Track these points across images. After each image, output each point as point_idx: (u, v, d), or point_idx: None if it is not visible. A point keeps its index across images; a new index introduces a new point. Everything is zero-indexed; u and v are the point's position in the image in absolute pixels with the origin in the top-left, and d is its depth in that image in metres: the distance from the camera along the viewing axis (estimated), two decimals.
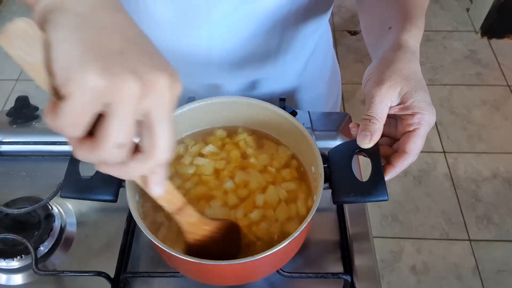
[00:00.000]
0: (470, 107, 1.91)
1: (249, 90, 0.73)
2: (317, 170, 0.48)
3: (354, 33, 2.23)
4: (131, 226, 0.59)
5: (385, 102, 0.45)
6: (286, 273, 0.53)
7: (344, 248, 0.58)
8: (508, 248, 1.50)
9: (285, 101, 0.62)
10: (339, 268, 0.57)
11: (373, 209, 1.60)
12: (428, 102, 0.46)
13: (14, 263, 0.56)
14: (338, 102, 0.92)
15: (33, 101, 0.71)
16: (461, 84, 2.00)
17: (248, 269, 0.47)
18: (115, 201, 0.46)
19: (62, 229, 0.60)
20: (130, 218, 0.60)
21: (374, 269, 0.56)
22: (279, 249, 0.42)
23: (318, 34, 0.71)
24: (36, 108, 0.71)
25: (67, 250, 0.59)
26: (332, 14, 2.37)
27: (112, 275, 0.54)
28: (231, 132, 0.58)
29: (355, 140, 0.46)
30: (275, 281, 0.56)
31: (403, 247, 1.51)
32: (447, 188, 1.65)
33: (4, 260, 0.55)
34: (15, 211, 0.58)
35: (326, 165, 0.48)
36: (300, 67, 0.74)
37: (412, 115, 0.46)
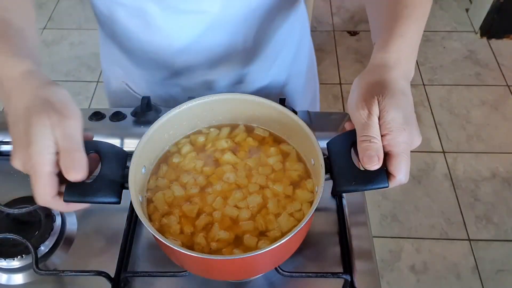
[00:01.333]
0: (470, 107, 1.91)
1: (237, 85, 0.75)
2: (317, 161, 0.48)
3: (353, 33, 2.24)
4: (131, 226, 0.59)
5: (373, 119, 0.43)
6: (286, 273, 0.53)
7: (344, 248, 0.58)
8: (508, 247, 1.50)
9: (285, 101, 0.62)
10: (339, 267, 0.57)
11: (373, 209, 1.60)
12: (400, 122, 0.42)
13: (15, 263, 0.56)
14: (316, 97, 0.93)
15: None
16: (460, 84, 2.00)
17: (248, 265, 0.48)
18: (118, 202, 0.46)
19: (62, 229, 0.60)
20: (130, 218, 0.60)
21: (374, 269, 0.56)
22: (281, 244, 0.43)
23: (291, 23, 0.72)
24: None
25: (68, 250, 0.59)
26: (331, 14, 2.38)
27: (112, 275, 0.54)
28: (233, 128, 0.59)
29: (353, 131, 0.45)
30: (275, 280, 0.56)
31: (403, 246, 1.52)
32: (447, 188, 1.66)
33: (5, 260, 0.55)
34: (16, 211, 0.58)
35: (325, 157, 0.48)
36: (289, 57, 0.75)
37: (383, 135, 0.43)
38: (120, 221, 0.60)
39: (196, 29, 0.63)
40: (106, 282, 0.53)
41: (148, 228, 0.44)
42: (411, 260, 1.49)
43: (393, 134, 0.42)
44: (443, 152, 1.76)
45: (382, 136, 0.42)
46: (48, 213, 0.60)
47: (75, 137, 0.42)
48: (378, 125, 0.42)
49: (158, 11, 0.61)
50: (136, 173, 0.50)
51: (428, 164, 1.73)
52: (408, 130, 0.42)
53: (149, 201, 0.53)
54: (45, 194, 0.42)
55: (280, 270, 0.53)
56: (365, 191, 0.59)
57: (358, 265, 0.56)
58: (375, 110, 0.42)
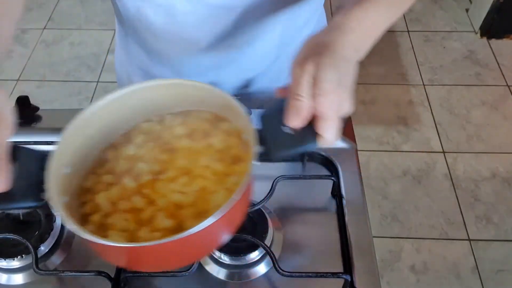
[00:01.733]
0: (470, 107, 1.91)
1: (244, 86, 0.75)
2: (249, 134, 0.47)
3: None
4: None
5: (305, 78, 0.42)
6: (286, 273, 0.53)
7: (344, 248, 0.58)
8: (508, 247, 1.51)
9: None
10: (339, 267, 0.57)
11: (373, 209, 1.60)
12: (333, 84, 0.41)
13: (15, 263, 0.56)
14: None
15: (33, 102, 0.71)
16: (460, 84, 2.00)
17: (178, 249, 0.45)
18: (39, 206, 0.44)
19: (62, 229, 0.60)
20: None
21: (374, 269, 0.56)
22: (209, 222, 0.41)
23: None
24: (37, 109, 0.71)
25: (68, 250, 0.59)
26: (331, 14, 2.38)
27: (112, 275, 0.54)
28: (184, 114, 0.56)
29: (282, 99, 0.45)
30: (275, 280, 0.56)
31: (403, 246, 1.52)
32: (447, 188, 1.66)
33: (5, 260, 0.55)
34: (16, 211, 0.58)
35: (260, 129, 0.48)
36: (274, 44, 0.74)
37: (315, 95, 0.42)
38: None
39: (225, 25, 0.63)
40: (106, 282, 0.53)
41: (69, 226, 0.41)
42: (411, 260, 1.49)
43: (323, 96, 0.41)
44: (443, 152, 1.76)
45: (314, 96, 0.42)
46: (48, 213, 0.60)
47: (1, 146, 0.39)
48: (309, 84, 0.42)
49: (188, 6, 0.60)
50: (58, 173, 0.46)
51: (428, 164, 1.73)
52: (339, 95, 0.42)
53: (85, 201, 0.49)
54: None
55: (280, 270, 0.53)
56: (366, 193, 0.59)
57: (358, 265, 0.56)
58: (309, 69, 0.42)
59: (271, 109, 0.48)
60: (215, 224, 0.41)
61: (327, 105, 0.42)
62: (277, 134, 0.46)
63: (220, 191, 0.48)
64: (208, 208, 0.47)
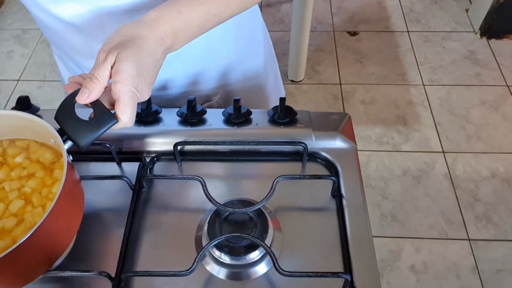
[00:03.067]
0: (469, 107, 1.91)
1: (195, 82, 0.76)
2: (55, 138, 0.52)
3: (353, 33, 2.24)
4: (132, 225, 0.60)
5: (105, 65, 0.47)
6: (286, 272, 0.53)
7: (344, 248, 0.58)
8: (507, 247, 1.51)
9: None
10: (339, 267, 0.57)
11: (373, 209, 1.60)
12: (131, 74, 0.47)
13: None
14: (279, 77, 0.94)
15: (34, 101, 0.72)
16: (460, 85, 2.00)
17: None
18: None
19: None
20: (131, 217, 0.60)
21: (374, 269, 0.56)
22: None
23: None
24: (38, 109, 0.71)
25: (68, 250, 0.59)
26: (331, 14, 2.38)
27: (113, 275, 0.54)
28: None
29: (72, 93, 0.51)
30: (275, 280, 0.56)
31: (403, 246, 1.52)
32: (446, 188, 1.66)
33: None
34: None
35: (60, 128, 0.53)
36: (230, 40, 0.75)
37: (115, 82, 0.48)
38: (120, 221, 0.60)
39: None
40: (107, 282, 0.54)
41: None
42: (411, 260, 1.49)
43: (121, 84, 0.47)
44: (443, 152, 1.77)
45: (113, 82, 0.48)
46: None
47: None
48: (108, 71, 0.47)
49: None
50: None
51: (428, 164, 1.73)
52: (137, 84, 0.48)
53: None
54: None
55: (280, 270, 0.53)
56: (366, 193, 0.59)
57: (358, 265, 0.56)
58: (111, 59, 0.47)
59: (63, 105, 0.52)
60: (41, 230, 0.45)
61: (124, 92, 0.47)
62: (77, 125, 0.52)
63: (46, 200, 0.52)
64: (39, 220, 0.48)
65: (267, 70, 0.87)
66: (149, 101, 0.69)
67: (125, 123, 0.50)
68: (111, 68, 0.48)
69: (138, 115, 0.68)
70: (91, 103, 0.52)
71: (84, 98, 0.48)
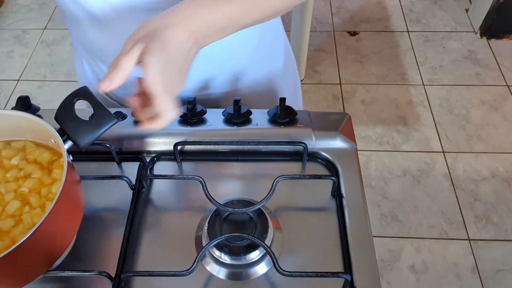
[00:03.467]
0: (469, 107, 1.91)
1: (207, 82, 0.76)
2: (55, 138, 0.52)
3: (353, 33, 2.24)
4: (132, 225, 0.60)
5: (131, 55, 0.46)
6: (286, 272, 0.53)
7: (344, 248, 0.58)
8: (507, 247, 1.51)
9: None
10: (339, 267, 0.57)
11: (373, 209, 1.60)
12: (157, 67, 0.46)
13: None
14: (298, 85, 0.93)
15: (34, 101, 0.71)
16: (460, 84, 2.00)
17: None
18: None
19: None
20: (131, 217, 0.60)
21: (373, 269, 0.56)
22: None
23: None
24: (38, 108, 0.71)
25: (68, 250, 0.59)
26: (331, 14, 2.38)
27: (113, 275, 0.54)
28: None
29: (72, 93, 0.52)
30: (275, 280, 0.56)
31: (403, 246, 1.52)
32: (446, 188, 1.66)
33: None
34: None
35: (60, 128, 0.53)
36: (254, 40, 0.74)
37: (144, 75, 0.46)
38: (120, 221, 0.60)
39: None
40: (107, 282, 0.54)
41: None
42: (411, 259, 1.49)
43: (150, 76, 0.45)
44: (443, 152, 1.77)
45: (144, 77, 0.46)
46: None
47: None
48: (132, 61, 0.46)
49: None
50: None
51: (428, 164, 1.73)
52: (167, 75, 0.46)
53: None
54: None
55: (280, 270, 0.53)
56: (366, 193, 0.59)
57: (358, 265, 0.56)
58: (137, 50, 0.46)
59: (62, 106, 0.53)
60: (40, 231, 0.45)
61: (154, 84, 0.46)
62: (77, 125, 0.52)
63: (46, 201, 0.52)
64: (38, 221, 0.48)
65: (284, 72, 0.85)
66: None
67: (168, 118, 0.48)
68: (137, 60, 0.46)
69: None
70: (91, 103, 0.52)
71: (106, 85, 0.46)
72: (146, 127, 0.50)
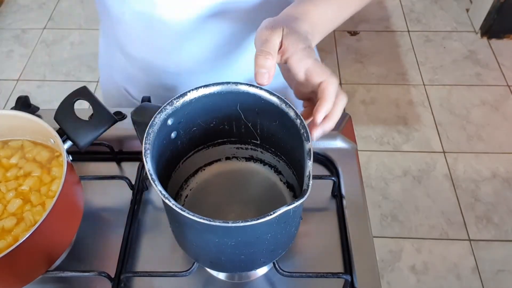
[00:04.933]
0: (470, 107, 1.91)
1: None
2: (55, 139, 0.53)
3: (354, 33, 2.24)
4: (131, 226, 0.59)
5: (274, 39, 0.44)
6: (286, 273, 0.53)
7: (344, 248, 0.58)
8: (508, 248, 1.51)
9: None
10: (339, 267, 0.57)
11: (373, 209, 1.60)
12: (301, 46, 0.44)
13: None
14: None
15: (33, 101, 0.71)
16: (460, 84, 2.00)
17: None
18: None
19: None
20: (131, 217, 0.60)
21: (374, 269, 0.56)
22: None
23: None
24: (37, 108, 0.71)
25: (68, 250, 0.59)
26: None
27: (113, 275, 0.54)
28: None
29: (72, 93, 0.52)
30: (275, 280, 0.56)
31: (403, 247, 1.52)
32: (447, 188, 1.66)
33: None
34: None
35: (59, 128, 0.53)
36: None
37: (286, 60, 0.45)
38: (120, 221, 0.60)
39: (210, 37, 0.63)
40: (106, 282, 0.54)
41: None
42: (411, 260, 1.49)
43: (298, 53, 0.44)
44: (443, 152, 1.76)
45: (290, 60, 0.44)
46: None
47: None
48: (277, 46, 0.44)
49: (168, 14, 0.60)
50: None
51: (429, 164, 1.73)
52: (308, 48, 0.45)
53: None
54: None
55: (280, 270, 0.53)
56: (367, 193, 0.59)
57: (358, 265, 0.56)
58: (278, 34, 0.44)
59: (63, 104, 0.53)
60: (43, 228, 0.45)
61: (304, 60, 0.44)
62: (77, 125, 0.53)
63: (46, 198, 0.53)
64: (40, 218, 0.48)
65: None
66: None
67: (344, 104, 0.46)
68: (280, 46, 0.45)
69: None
70: (90, 103, 0.52)
71: (265, 78, 0.44)
72: (326, 129, 0.46)
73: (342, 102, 0.45)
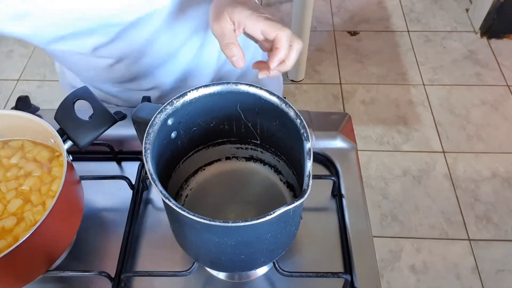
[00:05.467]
0: (470, 107, 1.91)
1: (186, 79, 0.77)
2: (55, 138, 0.53)
3: (354, 33, 2.24)
4: (131, 226, 0.59)
5: (228, 25, 0.49)
6: (286, 273, 0.53)
7: (344, 248, 0.58)
8: (508, 247, 1.51)
9: None
10: (339, 267, 0.57)
11: (373, 209, 1.60)
12: (247, 12, 0.48)
13: None
14: (281, 80, 0.95)
15: (34, 101, 0.71)
16: (460, 84, 2.00)
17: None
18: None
19: None
20: (131, 217, 0.60)
21: (374, 269, 0.56)
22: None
23: None
24: (37, 108, 0.71)
25: (68, 250, 0.59)
26: (331, 14, 2.38)
27: (113, 275, 0.54)
28: None
29: (72, 93, 0.53)
30: (275, 280, 0.56)
31: (403, 246, 1.52)
32: (447, 188, 1.66)
33: None
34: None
35: (60, 128, 0.54)
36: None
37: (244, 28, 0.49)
38: (120, 221, 0.60)
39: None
40: (106, 282, 0.54)
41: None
42: (411, 260, 1.49)
43: (246, 18, 0.48)
44: (443, 152, 1.76)
45: (242, 27, 0.49)
46: None
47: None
48: (231, 31, 0.49)
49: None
50: None
51: (428, 164, 1.73)
52: (259, 15, 0.49)
53: None
54: None
55: (280, 270, 0.53)
56: (367, 193, 0.59)
57: (358, 265, 0.56)
58: (225, 19, 0.49)
59: (62, 105, 0.54)
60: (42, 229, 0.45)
61: (255, 20, 0.49)
62: (77, 125, 0.54)
63: (46, 198, 0.53)
64: (40, 218, 0.48)
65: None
66: None
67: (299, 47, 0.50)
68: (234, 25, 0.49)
69: None
70: (91, 103, 0.52)
71: (240, 62, 0.50)
72: (282, 70, 0.51)
73: (297, 47, 0.50)
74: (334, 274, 0.54)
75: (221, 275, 0.57)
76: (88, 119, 0.54)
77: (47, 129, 0.53)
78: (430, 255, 1.50)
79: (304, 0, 1.68)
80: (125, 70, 0.68)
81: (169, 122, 0.49)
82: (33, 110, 0.71)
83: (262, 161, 0.59)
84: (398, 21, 2.29)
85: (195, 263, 0.53)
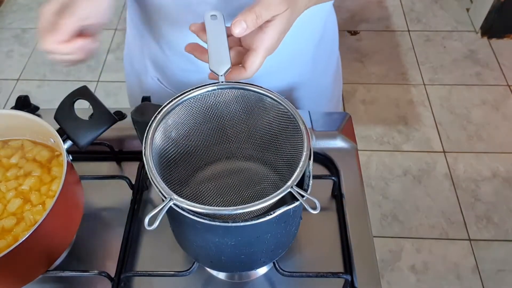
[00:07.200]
0: (470, 107, 1.91)
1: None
2: (55, 138, 0.53)
3: (354, 33, 2.24)
4: (131, 226, 0.59)
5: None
6: (286, 273, 0.53)
7: (344, 248, 0.58)
8: (508, 247, 1.50)
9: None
10: (339, 267, 0.57)
11: (373, 209, 1.60)
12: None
13: None
14: (340, 98, 0.92)
15: (33, 101, 0.71)
16: (461, 84, 2.00)
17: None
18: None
19: None
20: (130, 217, 0.60)
21: (374, 269, 0.56)
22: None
23: (324, 16, 0.71)
24: (37, 108, 0.71)
25: (68, 250, 0.59)
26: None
27: (113, 275, 0.54)
28: None
29: (72, 93, 0.54)
30: (275, 280, 0.56)
31: (403, 246, 1.52)
32: (447, 188, 1.66)
33: None
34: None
35: (60, 127, 0.54)
36: (309, 54, 0.73)
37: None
38: (120, 221, 0.60)
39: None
40: (106, 282, 0.54)
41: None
42: (411, 260, 1.49)
43: (268, 37, 0.47)
44: (444, 152, 1.76)
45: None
46: None
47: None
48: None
49: None
50: None
51: (429, 164, 1.73)
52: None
53: None
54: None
55: (280, 270, 0.53)
56: (367, 193, 0.59)
57: (358, 265, 0.56)
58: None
59: (62, 105, 0.54)
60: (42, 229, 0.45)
61: (266, 42, 0.48)
62: (77, 124, 0.54)
63: (46, 198, 0.53)
64: (40, 218, 0.48)
65: (333, 91, 0.84)
66: None
67: (251, 73, 0.49)
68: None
69: None
70: (91, 102, 0.52)
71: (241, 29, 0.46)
72: (232, 77, 0.49)
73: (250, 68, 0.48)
74: (334, 274, 0.54)
75: (221, 275, 0.57)
76: (88, 119, 0.54)
77: (47, 128, 0.53)
78: (430, 255, 1.49)
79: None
80: None
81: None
82: (33, 109, 0.71)
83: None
84: (398, 21, 2.28)
85: (195, 263, 0.53)
